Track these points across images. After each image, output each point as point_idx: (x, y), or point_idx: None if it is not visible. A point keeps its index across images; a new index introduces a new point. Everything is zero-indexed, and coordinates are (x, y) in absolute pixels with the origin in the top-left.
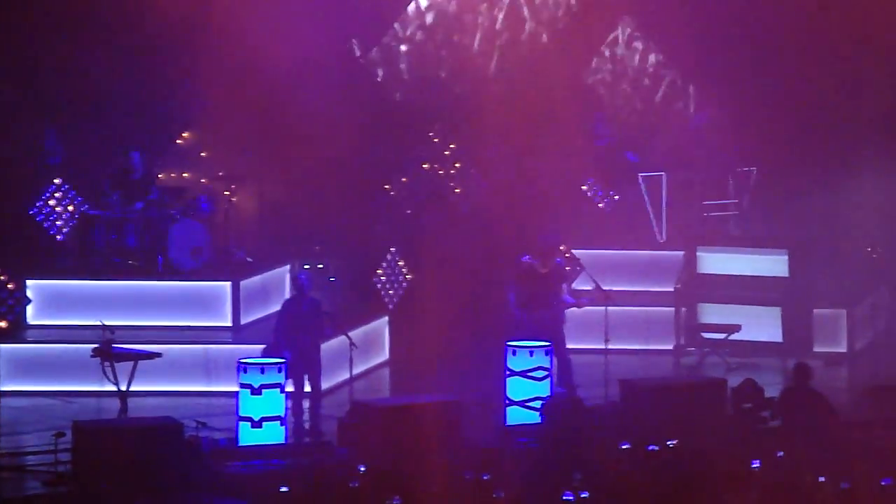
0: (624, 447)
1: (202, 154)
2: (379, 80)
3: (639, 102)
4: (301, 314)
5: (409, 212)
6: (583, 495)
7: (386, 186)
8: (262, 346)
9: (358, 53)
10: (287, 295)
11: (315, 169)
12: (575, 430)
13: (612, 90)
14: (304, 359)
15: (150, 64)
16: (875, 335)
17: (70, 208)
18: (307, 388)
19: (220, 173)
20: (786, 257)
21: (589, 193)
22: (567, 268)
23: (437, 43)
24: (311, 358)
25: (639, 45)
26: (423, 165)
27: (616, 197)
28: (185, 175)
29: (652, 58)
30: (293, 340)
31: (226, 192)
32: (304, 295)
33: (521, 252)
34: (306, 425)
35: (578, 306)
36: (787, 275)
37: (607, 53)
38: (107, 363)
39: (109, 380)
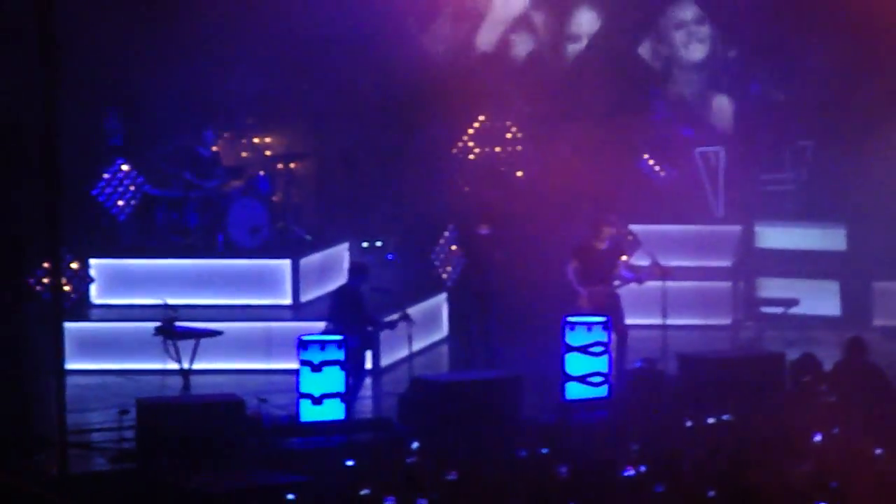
0: (687, 424)
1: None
2: (432, 55)
3: (694, 76)
4: (360, 298)
5: (466, 189)
6: (641, 469)
7: (447, 158)
8: (323, 324)
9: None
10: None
11: (371, 146)
12: (650, 404)
13: (667, 64)
14: (365, 341)
15: (205, 44)
16: None
17: (132, 188)
18: (368, 366)
19: (276, 153)
20: (843, 230)
21: (645, 169)
22: (625, 243)
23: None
24: (371, 340)
25: (693, 17)
26: (471, 144)
27: (670, 172)
28: (243, 154)
29: (705, 30)
30: (353, 326)
31: (280, 166)
32: (365, 279)
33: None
34: (366, 402)
35: (638, 282)
36: (844, 248)
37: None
38: (169, 341)
39: (172, 358)
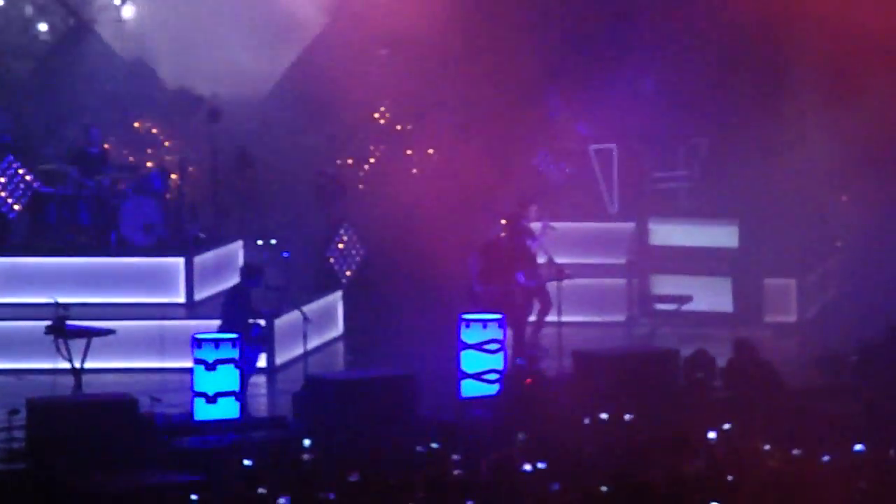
0: (584, 421)
1: (153, 132)
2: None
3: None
4: (250, 300)
5: (360, 186)
6: (539, 465)
7: (338, 161)
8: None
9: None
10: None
11: (269, 146)
12: (533, 402)
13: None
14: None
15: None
16: (824, 304)
17: (22, 186)
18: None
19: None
20: (736, 228)
21: (540, 166)
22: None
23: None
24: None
25: None
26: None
27: (564, 169)
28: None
29: None
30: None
31: (170, 159)
32: (259, 281)
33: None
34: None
35: (529, 286)
36: (737, 245)
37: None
38: (60, 340)
39: (63, 357)
